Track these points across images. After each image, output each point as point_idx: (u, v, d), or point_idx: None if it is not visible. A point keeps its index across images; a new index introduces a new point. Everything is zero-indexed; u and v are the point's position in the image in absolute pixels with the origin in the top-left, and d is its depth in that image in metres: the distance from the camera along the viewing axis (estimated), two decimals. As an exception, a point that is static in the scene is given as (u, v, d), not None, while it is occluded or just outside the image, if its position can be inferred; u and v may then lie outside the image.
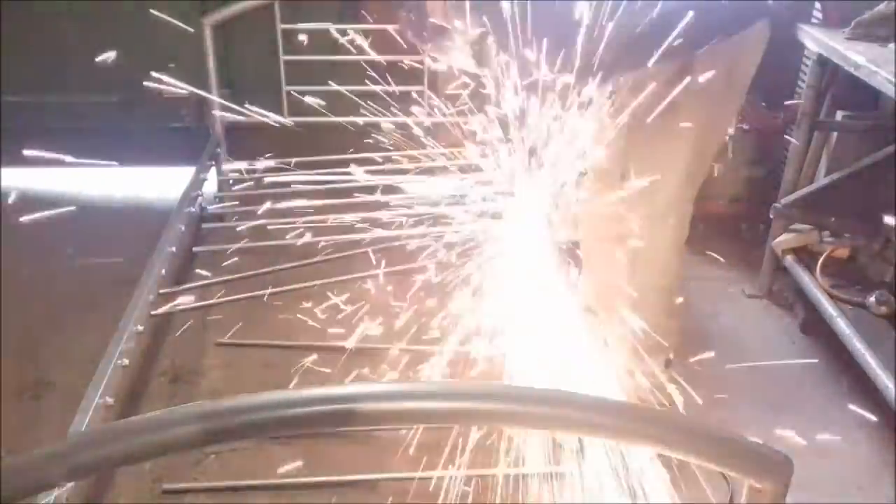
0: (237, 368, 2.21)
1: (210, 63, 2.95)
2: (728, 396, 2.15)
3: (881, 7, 2.19)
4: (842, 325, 2.14)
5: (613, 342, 1.91)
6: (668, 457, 1.53)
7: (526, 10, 1.62)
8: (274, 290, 2.52)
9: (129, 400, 2.04)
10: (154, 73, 3.09)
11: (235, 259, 2.73)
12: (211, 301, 2.46)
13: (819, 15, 2.43)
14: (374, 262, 2.68)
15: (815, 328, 2.36)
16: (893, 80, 1.83)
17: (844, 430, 2.06)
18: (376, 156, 3.11)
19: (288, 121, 3.13)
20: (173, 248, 2.36)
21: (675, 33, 1.60)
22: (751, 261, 2.80)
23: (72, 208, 1.94)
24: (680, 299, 1.99)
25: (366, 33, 3.08)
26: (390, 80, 3.09)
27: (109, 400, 1.72)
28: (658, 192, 1.73)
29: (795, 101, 2.59)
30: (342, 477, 1.81)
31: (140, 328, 2.00)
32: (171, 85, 2.78)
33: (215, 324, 2.38)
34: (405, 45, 2.05)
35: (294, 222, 2.78)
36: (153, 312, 2.22)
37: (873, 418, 2.06)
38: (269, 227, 2.83)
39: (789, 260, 2.48)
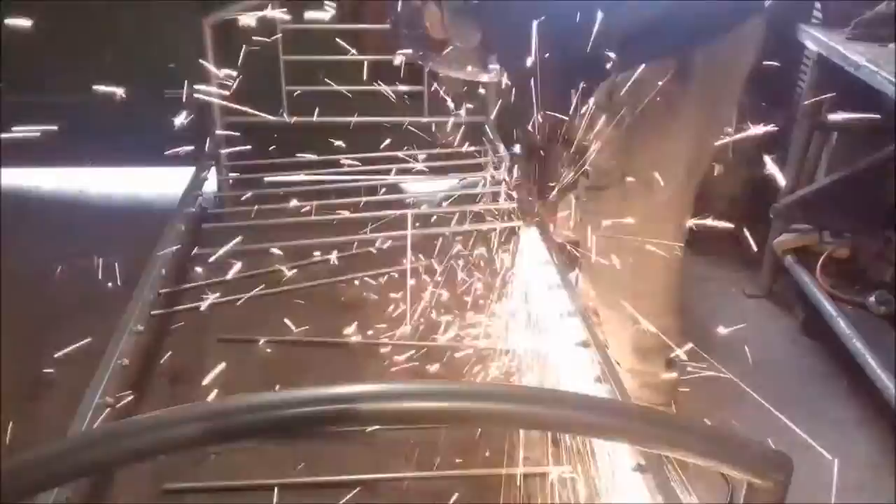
0: (237, 368, 2.21)
1: (210, 63, 2.95)
2: (728, 396, 2.16)
3: (881, 7, 2.19)
4: (842, 325, 2.14)
5: (614, 342, 1.91)
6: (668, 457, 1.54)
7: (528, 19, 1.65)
8: (274, 289, 2.52)
9: (129, 400, 2.04)
10: (154, 73, 3.11)
11: (235, 259, 2.73)
12: (211, 301, 2.46)
13: (819, 15, 2.44)
14: (376, 261, 2.70)
15: (815, 328, 2.36)
16: (893, 80, 1.83)
17: (844, 430, 2.06)
18: (376, 155, 3.12)
19: (288, 120, 3.15)
20: (173, 248, 2.36)
21: (672, 32, 1.61)
22: (751, 261, 2.80)
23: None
24: (680, 298, 1.99)
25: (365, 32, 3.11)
26: (390, 80, 3.11)
27: (109, 400, 1.72)
28: (658, 191, 1.73)
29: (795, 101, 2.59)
30: (342, 477, 1.81)
31: (140, 328, 2.00)
32: (171, 86, 2.80)
33: (215, 323, 2.37)
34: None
35: (294, 221, 2.79)
36: (153, 312, 2.22)
37: (873, 418, 2.07)
38: (268, 227, 2.84)
39: (789, 260, 2.48)
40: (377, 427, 1.89)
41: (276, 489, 1.78)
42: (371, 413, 0.79)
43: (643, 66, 1.64)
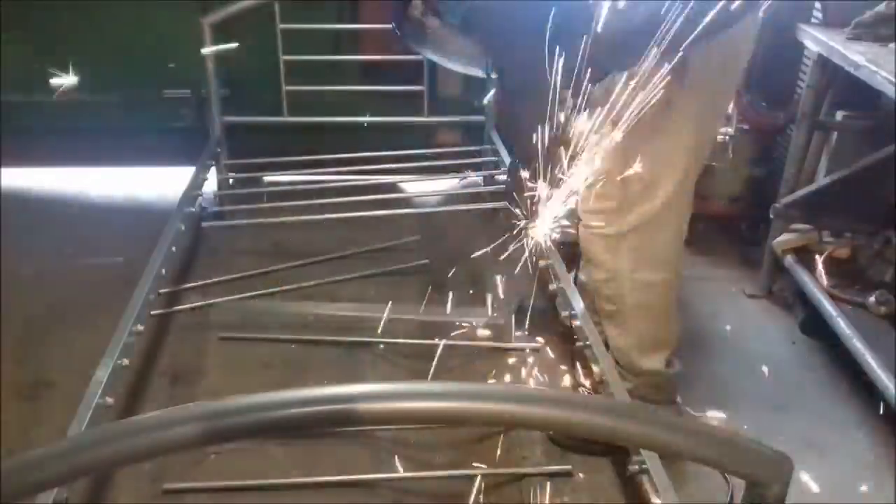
0: (237, 368, 2.21)
1: (210, 63, 2.95)
2: (728, 396, 2.16)
3: (881, 7, 2.19)
4: (842, 325, 2.14)
5: (615, 340, 1.91)
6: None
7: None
8: (274, 289, 2.52)
9: (129, 400, 2.04)
10: (154, 73, 3.11)
11: (235, 258, 2.73)
12: (211, 301, 2.46)
13: (819, 15, 2.43)
14: (376, 260, 2.70)
15: (815, 328, 2.36)
16: (893, 80, 1.83)
17: (844, 430, 2.06)
18: (376, 155, 3.12)
19: (288, 120, 3.15)
20: (173, 248, 2.36)
21: (668, 31, 1.61)
22: (751, 261, 2.80)
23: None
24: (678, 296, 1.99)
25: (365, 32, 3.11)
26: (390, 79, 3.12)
27: (109, 400, 1.72)
28: (657, 188, 1.74)
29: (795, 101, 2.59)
30: (342, 477, 1.81)
31: (140, 328, 2.00)
32: (171, 85, 2.79)
33: (215, 323, 2.38)
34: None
35: (293, 221, 2.79)
36: (153, 312, 2.22)
37: (873, 418, 2.07)
38: (268, 227, 2.84)
39: (789, 260, 2.48)
40: (377, 427, 1.90)
41: (276, 489, 1.78)
42: (371, 413, 0.79)
43: (638, 66, 1.65)
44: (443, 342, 2.27)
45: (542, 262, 2.29)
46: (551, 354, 2.27)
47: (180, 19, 2.98)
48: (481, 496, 1.78)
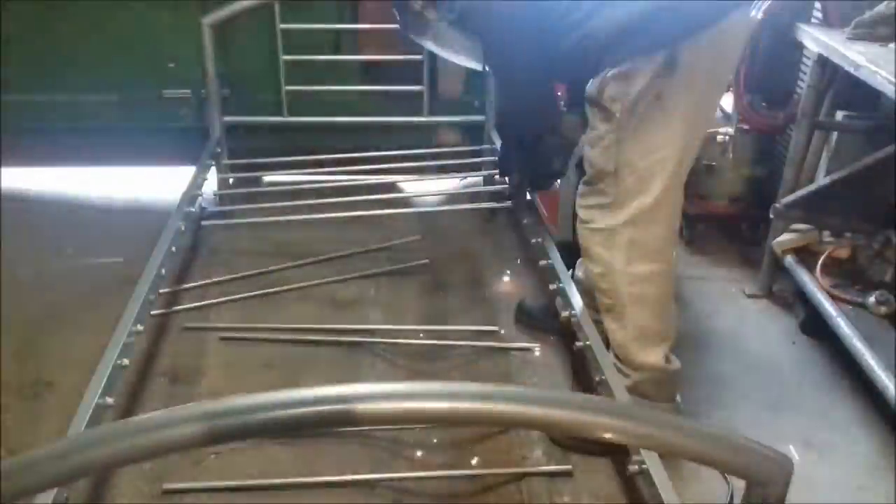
0: (237, 368, 2.21)
1: (210, 63, 2.95)
2: (728, 396, 2.16)
3: (881, 7, 2.19)
4: (842, 325, 2.14)
5: (613, 334, 1.92)
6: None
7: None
8: (274, 289, 2.52)
9: (129, 400, 2.04)
10: (154, 73, 3.11)
11: (235, 258, 2.73)
12: (211, 301, 2.46)
13: (819, 15, 2.43)
14: (376, 260, 2.70)
15: (815, 328, 2.36)
16: (893, 80, 1.83)
17: (844, 430, 2.06)
18: (376, 155, 3.12)
19: (288, 120, 3.15)
20: (173, 248, 2.36)
21: (655, 30, 1.63)
22: (751, 261, 2.80)
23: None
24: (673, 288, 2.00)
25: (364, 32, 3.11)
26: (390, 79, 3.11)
27: (109, 400, 1.72)
28: (650, 182, 1.75)
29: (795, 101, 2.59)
30: (342, 477, 1.81)
31: (140, 328, 1.99)
32: (171, 86, 2.78)
33: (215, 323, 2.38)
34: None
35: (293, 221, 2.79)
36: (153, 312, 2.22)
37: (873, 418, 2.06)
38: (268, 227, 2.84)
39: (789, 260, 2.48)
40: (377, 427, 1.90)
41: (276, 489, 1.78)
42: (371, 413, 0.79)
43: (631, 61, 1.67)
44: (443, 342, 2.28)
45: (542, 262, 2.29)
46: (551, 354, 2.27)
47: (180, 19, 2.98)
48: (481, 496, 1.78)
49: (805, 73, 2.56)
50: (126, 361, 1.85)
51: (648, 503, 1.53)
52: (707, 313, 2.54)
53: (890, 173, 2.21)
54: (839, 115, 2.45)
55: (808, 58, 2.54)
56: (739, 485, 0.90)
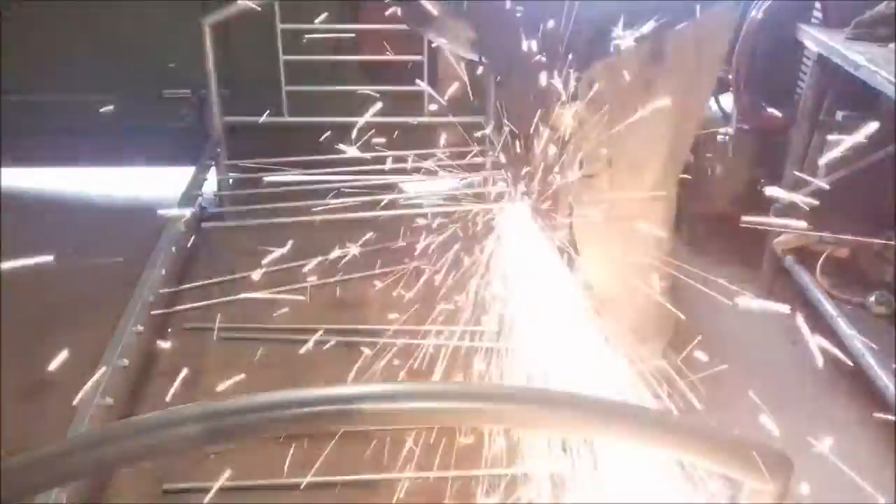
0: (237, 368, 2.21)
1: (210, 63, 2.95)
2: (727, 396, 2.16)
3: (881, 7, 2.19)
4: (842, 325, 2.14)
5: (611, 329, 1.92)
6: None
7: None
8: (274, 289, 2.52)
9: (129, 400, 2.04)
10: (154, 73, 3.11)
11: (235, 258, 2.73)
12: (211, 301, 2.46)
13: (819, 15, 2.43)
14: (376, 260, 2.70)
15: (815, 328, 2.36)
16: (893, 80, 1.83)
17: (844, 430, 2.06)
18: (376, 155, 3.11)
19: (288, 120, 3.15)
20: (173, 248, 2.36)
21: (641, 19, 1.64)
22: (751, 261, 2.80)
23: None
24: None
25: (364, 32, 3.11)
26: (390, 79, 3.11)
27: (109, 400, 1.72)
28: (643, 174, 1.76)
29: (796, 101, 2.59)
30: (342, 477, 1.81)
31: (140, 328, 2.00)
32: (171, 86, 2.78)
33: (215, 323, 2.37)
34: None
35: (293, 221, 2.79)
36: (153, 312, 2.22)
37: (873, 417, 2.06)
38: (268, 227, 2.84)
39: (789, 260, 2.48)
40: (377, 427, 1.90)
41: (276, 489, 1.78)
42: (371, 413, 0.79)
43: (618, 52, 1.67)
44: (443, 342, 2.27)
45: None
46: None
47: (180, 19, 2.98)
48: (481, 496, 1.78)
49: (805, 73, 2.57)
50: (126, 361, 1.85)
51: (649, 503, 1.53)
52: (706, 313, 2.54)
53: (890, 173, 2.21)
54: (839, 115, 2.45)
55: (808, 58, 2.54)
56: (739, 485, 0.90)
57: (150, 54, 3.06)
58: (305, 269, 2.64)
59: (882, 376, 1.92)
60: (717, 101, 2.90)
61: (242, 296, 2.47)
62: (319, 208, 2.77)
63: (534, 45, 1.79)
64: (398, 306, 2.47)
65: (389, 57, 3.05)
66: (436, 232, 2.86)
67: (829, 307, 2.22)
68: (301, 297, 2.50)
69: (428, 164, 3.14)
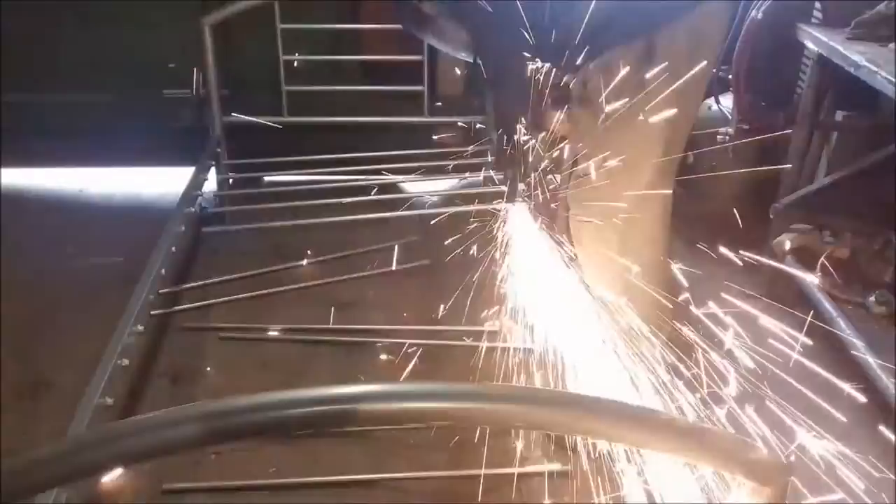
0: (237, 368, 2.21)
1: (210, 63, 2.95)
2: (727, 396, 2.15)
3: (881, 7, 2.19)
4: (842, 325, 2.14)
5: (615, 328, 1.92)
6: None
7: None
8: (274, 289, 2.52)
9: (129, 400, 2.04)
10: (154, 73, 3.11)
11: (235, 258, 2.73)
12: (211, 301, 2.46)
13: (819, 15, 2.43)
14: (376, 260, 2.70)
15: (815, 328, 2.36)
16: (893, 80, 1.83)
17: (844, 430, 2.06)
18: (376, 155, 3.12)
19: (288, 120, 3.15)
20: (173, 249, 2.36)
21: (631, 18, 1.63)
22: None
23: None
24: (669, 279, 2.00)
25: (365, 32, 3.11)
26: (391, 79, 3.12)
27: (109, 400, 1.72)
28: (639, 172, 1.76)
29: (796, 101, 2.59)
30: (342, 477, 1.81)
31: (140, 328, 2.00)
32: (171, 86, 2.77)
33: (215, 323, 2.38)
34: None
35: (293, 222, 2.79)
36: (153, 312, 2.22)
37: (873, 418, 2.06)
38: (268, 227, 2.84)
39: (789, 260, 2.48)
40: (377, 427, 1.90)
41: (276, 489, 1.78)
42: (371, 413, 0.78)
43: (611, 53, 1.67)
44: (443, 342, 2.27)
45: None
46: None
47: (180, 19, 2.98)
48: (481, 496, 1.78)
49: (805, 73, 2.57)
50: (126, 361, 1.85)
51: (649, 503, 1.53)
52: (706, 314, 2.54)
53: (890, 173, 2.21)
54: (839, 115, 2.45)
55: (809, 58, 2.54)
56: (739, 485, 0.90)
57: (150, 54, 3.06)
58: (305, 269, 2.65)
59: (882, 376, 1.92)
60: (717, 101, 2.90)
61: (242, 296, 2.48)
62: (318, 209, 2.78)
63: (526, 47, 1.79)
64: (398, 306, 2.48)
65: (389, 57, 3.06)
66: (436, 232, 2.87)
67: (829, 307, 2.21)
68: (300, 297, 2.51)
69: (428, 163, 3.15)
